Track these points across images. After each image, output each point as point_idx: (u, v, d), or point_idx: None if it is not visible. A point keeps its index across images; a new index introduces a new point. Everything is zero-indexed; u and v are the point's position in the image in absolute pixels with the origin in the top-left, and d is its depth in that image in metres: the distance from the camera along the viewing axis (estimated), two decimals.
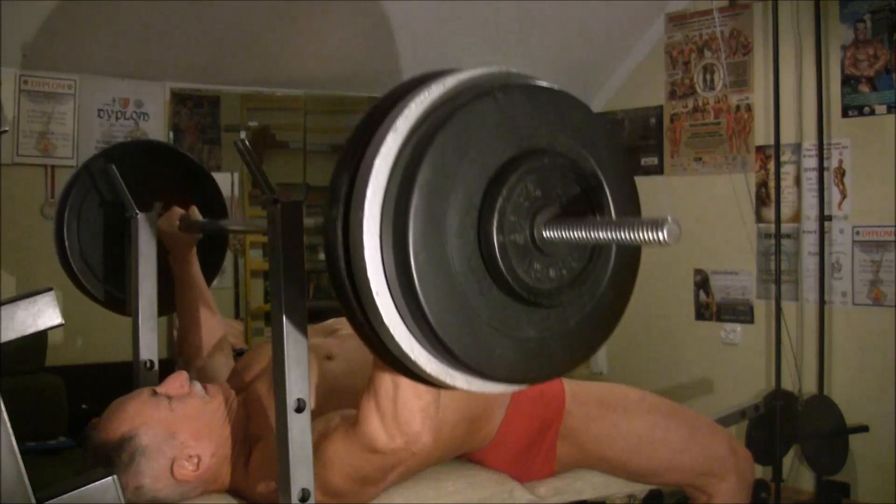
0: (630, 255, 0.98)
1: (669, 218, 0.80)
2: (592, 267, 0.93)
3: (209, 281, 1.99)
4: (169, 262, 1.88)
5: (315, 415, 1.42)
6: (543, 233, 0.88)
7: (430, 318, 0.84)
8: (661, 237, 0.81)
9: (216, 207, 1.99)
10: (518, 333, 0.90)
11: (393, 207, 0.85)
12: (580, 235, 0.86)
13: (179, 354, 1.92)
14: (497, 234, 0.86)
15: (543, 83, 0.94)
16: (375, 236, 0.86)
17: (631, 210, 0.98)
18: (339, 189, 0.90)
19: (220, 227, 1.87)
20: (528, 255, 0.88)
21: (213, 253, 2.02)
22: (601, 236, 0.85)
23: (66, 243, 1.91)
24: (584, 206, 0.92)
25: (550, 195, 0.90)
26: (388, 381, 1.15)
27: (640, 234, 0.82)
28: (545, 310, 0.92)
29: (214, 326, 1.92)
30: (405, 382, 1.14)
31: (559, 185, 0.91)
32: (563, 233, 0.88)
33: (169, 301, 1.90)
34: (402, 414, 1.16)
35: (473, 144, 0.85)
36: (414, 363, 0.90)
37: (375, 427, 1.19)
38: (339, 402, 1.47)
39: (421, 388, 1.13)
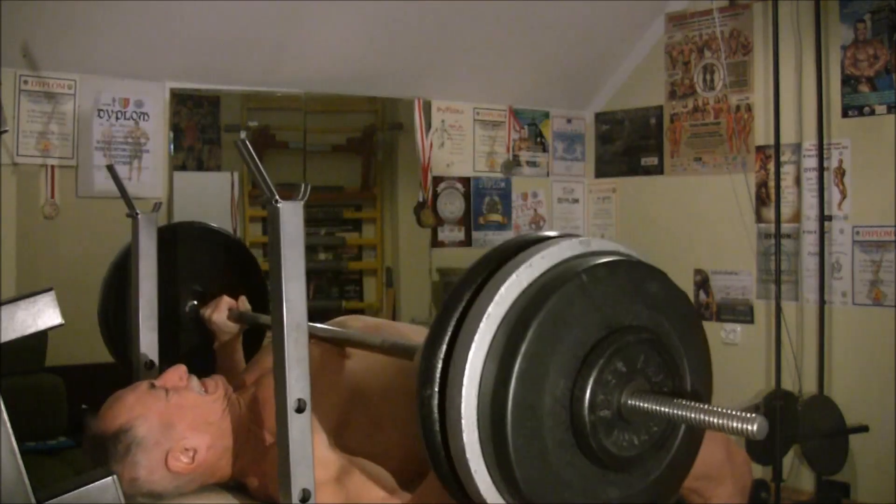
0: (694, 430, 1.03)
1: (760, 417, 0.85)
2: (671, 429, 0.99)
3: (249, 357, 2.00)
4: (214, 347, 1.89)
5: (340, 414, 1.43)
6: (631, 405, 0.93)
7: (526, 495, 0.90)
8: (751, 430, 0.85)
9: (261, 299, 1.98)
10: (604, 497, 0.95)
11: (490, 396, 0.90)
12: (667, 412, 0.92)
13: None
14: (589, 413, 0.91)
15: (622, 252, 1.01)
16: (473, 421, 0.91)
17: (704, 375, 1.05)
18: (434, 370, 0.95)
19: (266, 324, 1.86)
20: (613, 427, 0.94)
21: (252, 337, 2.02)
22: (689, 417, 0.90)
23: (111, 322, 1.90)
24: (665, 375, 0.98)
25: (635, 368, 0.95)
26: (437, 491, 1.14)
27: (731, 424, 0.87)
28: (625, 472, 0.97)
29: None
30: None
31: (642, 357, 0.96)
32: (650, 406, 0.93)
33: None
34: None
35: (563, 331, 0.91)
36: None
37: None
38: (361, 401, 1.47)
39: None
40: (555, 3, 3.75)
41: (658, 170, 4.29)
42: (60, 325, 0.97)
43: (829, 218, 3.63)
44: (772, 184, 3.77)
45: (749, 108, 3.93)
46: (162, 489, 1.42)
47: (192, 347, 1.94)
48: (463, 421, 0.91)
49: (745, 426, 0.86)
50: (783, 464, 3.39)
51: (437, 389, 0.94)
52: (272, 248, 1.16)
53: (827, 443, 3.39)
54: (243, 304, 1.86)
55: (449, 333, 0.95)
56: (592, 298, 0.93)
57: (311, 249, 4.38)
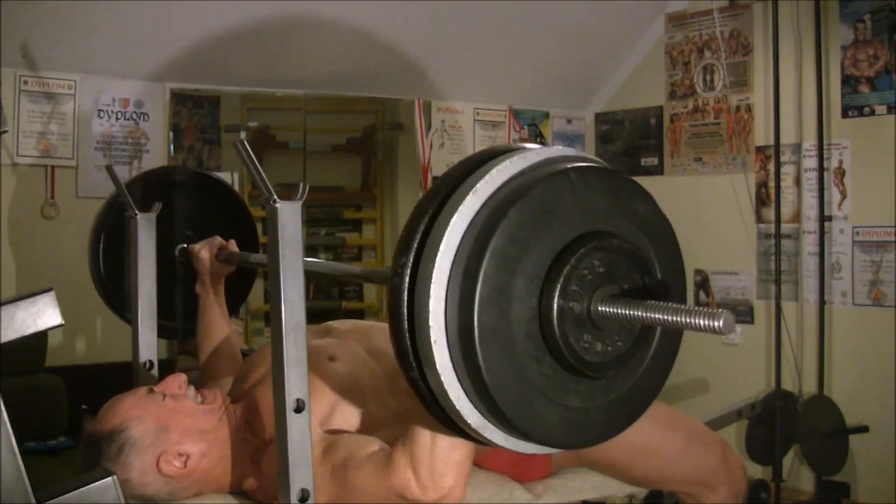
0: (671, 343, 1.04)
1: (726, 313, 0.86)
2: (636, 348, 0.99)
3: (234, 310, 2.00)
4: (196, 290, 1.89)
5: (324, 417, 1.43)
6: (600, 307, 0.94)
7: (484, 376, 0.89)
8: (717, 326, 0.86)
9: (250, 243, 1.99)
10: (564, 401, 0.96)
11: (463, 267, 0.90)
12: (637, 314, 0.92)
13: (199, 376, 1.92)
14: (558, 298, 0.91)
15: (614, 169, 1.02)
16: (442, 287, 0.91)
17: (679, 300, 1.04)
18: (413, 238, 0.95)
19: (256, 262, 1.87)
20: (581, 326, 0.94)
21: (241, 283, 2.02)
22: (658, 318, 0.91)
23: (102, 263, 1.90)
24: (641, 292, 0.98)
25: (612, 275, 0.96)
26: (425, 435, 1.16)
27: (697, 321, 0.88)
28: (590, 381, 0.97)
29: (233, 353, 1.93)
30: (442, 437, 1.15)
31: (622, 268, 0.96)
32: (621, 310, 0.93)
33: (191, 326, 1.91)
34: (437, 466, 1.17)
35: (546, 219, 0.91)
36: (457, 412, 0.94)
37: (408, 477, 1.19)
38: (343, 404, 1.47)
39: (458, 441, 1.14)
40: (555, 3, 3.75)
41: (658, 170, 4.29)
42: (60, 325, 0.97)
43: (829, 218, 3.63)
44: (772, 184, 3.77)
45: (749, 109, 3.93)
46: (154, 492, 1.42)
47: (179, 291, 1.94)
48: (433, 286, 0.90)
49: (710, 322, 0.86)
50: (783, 464, 3.39)
51: (412, 258, 0.94)
52: (271, 248, 1.16)
53: (827, 443, 3.39)
54: (232, 247, 1.85)
55: (436, 207, 0.95)
56: (579, 197, 0.93)
57: (311, 249, 4.38)
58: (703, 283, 4.12)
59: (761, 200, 3.89)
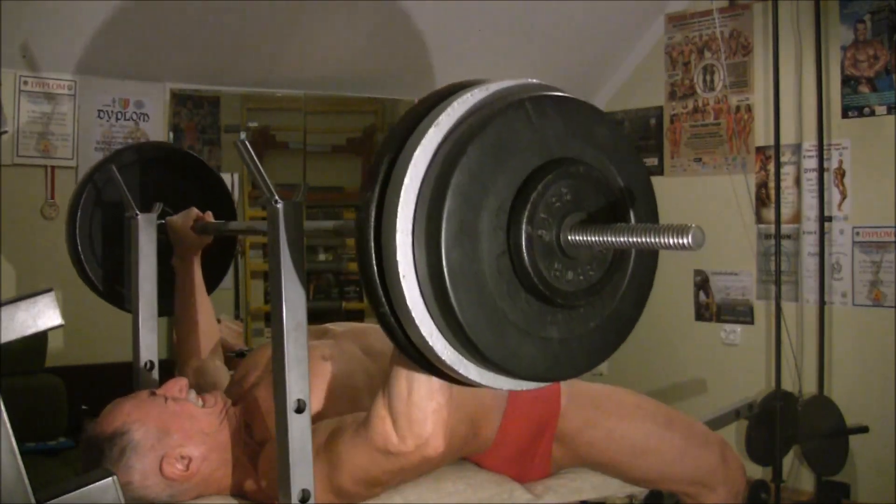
0: (646, 267, 1.04)
1: (693, 224, 0.85)
2: (610, 277, 0.98)
3: (215, 285, 2.00)
4: (172, 263, 1.88)
5: (313, 416, 1.42)
6: (569, 236, 0.92)
7: (458, 315, 0.88)
8: (685, 242, 0.85)
9: (228, 216, 1.99)
10: (541, 333, 0.94)
11: (426, 207, 0.89)
12: (606, 239, 0.91)
13: (178, 355, 1.92)
14: (526, 225, 0.90)
15: (571, 96, 0.99)
16: (409, 221, 0.90)
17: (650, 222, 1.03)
18: (378, 172, 0.93)
19: (233, 229, 1.86)
20: (551, 255, 0.92)
21: (221, 258, 2.02)
22: (626, 240, 0.90)
23: (79, 243, 1.90)
24: (610, 218, 0.97)
25: (581, 203, 0.94)
26: (402, 382, 1.15)
27: (665, 239, 0.86)
28: (566, 312, 0.96)
29: (212, 330, 1.92)
30: (419, 384, 1.14)
31: (590, 195, 0.95)
32: (590, 237, 0.92)
33: (169, 302, 1.90)
34: (415, 415, 1.16)
35: (505, 152, 0.90)
36: (430, 349, 0.92)
37: (387, 428, 1.19)
38: (337, 402, 1.47)
39: (435, 389, 1.15)
40: (555, 3, 3.75)
41: (658, 170, 4.29)
42: (60, 326, 0.97)
43: (829, 218, 3.63)
44: (772, 184, 3.77)
45: (749, 109, 3.93)
46: (155, 495, 1.41)
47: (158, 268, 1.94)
48: (399, 219, 0.89)
49: (679, 239, 0.86)
50: (783, 464, 3.39)
51: (378, 192, 0.92)
52: (272, 249, 1.16)
53: (827, 443, 3.39)
54: (209, 218, 1.84)
55: (401, 140, 0.94)
56: (537, 128, 0.92)
57: (311, 250, 4.38)
58: (703, 284, 4.12)
59: (761, 201, 3.89)
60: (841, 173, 3.62)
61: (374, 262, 0.92)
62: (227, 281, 4.17)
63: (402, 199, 0.89)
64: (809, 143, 3.69)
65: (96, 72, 3.47)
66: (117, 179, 1.78)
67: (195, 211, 1.83)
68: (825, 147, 3.60)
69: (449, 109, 0.92)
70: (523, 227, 0.89)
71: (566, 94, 0.97)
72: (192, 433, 1.44)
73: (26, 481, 0.95)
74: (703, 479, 1.78)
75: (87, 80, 3.47)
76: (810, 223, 3.71)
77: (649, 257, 1.03)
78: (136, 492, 1.40)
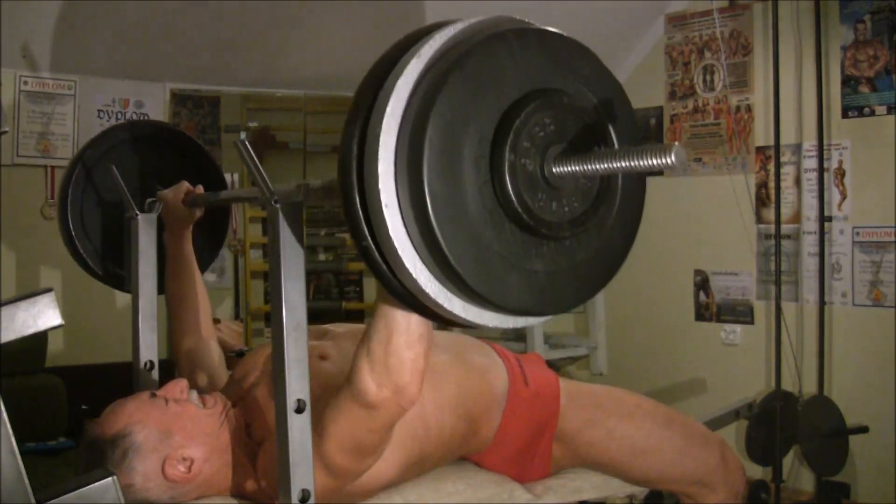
0: (633, 201, 1.02)
1: (676, 146, 0.84)
2: (595, 209, 0.97)
3: (208, 262, 1.98)
4: (164, 239, 1.85)
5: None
6: (553, 166, 0.92)
7: (440, 241, 0.87)
8: (668, 161, 0.84)
9: (218, 188, 1.98)
10: (527, 265, 0.93)
11: (408, 135, 0.88)
12: (589, 167, 0.90)
13: (171, 333, 1.89)
14: (509, 153, 0.89)
15: (555, 31, 0.99)
16: (391, 152, 0.89)
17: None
18: (361, 104, 0.93)
19: (226, 198, 1.85)
20: (535, 185, 0.91)
21: (213, 236, 1.99)
22: (610, 166, 0.89)
23: (71, 223, 1.89)
24: (591, 143, 0.96)
25: (564, 134, 0.93)
26: (381, 330, 1.17)
27: (649, 161, 0.85)
28: (552, 244, 0.95)
29: (204, 308, 1.89)
30: (399, 333, 1.16)
31: (573, 127, 0.94)
32: (574, 166, 0.91)
33: (159, 280, 1.90)
34: (392, 362, 1.18)
35: (487, 82, 0.89)
36: (414, 281, 0.91)
37: (365, 375, 1.20)
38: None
39: (414, 339, 1.17)
40: (555, 3, 3.75)
41: (658, 170, 4.28)
42: (60, 326, 0.97)
43: (829, 219, 3.63)
44: (772, 184, 3.77)
45: (749, 109, 3.93)
46: (156, 497, 1.41)
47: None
48: (381, 149, 0.88)
49: (662, 159, 0.85)
50: (783, 464, 3.38)
51: (361, 124, 0.92)
52: (272, 249, 1.16)
53: (827, 443, 3.39)
54: (199, 190, 1.81)
55: (384, 73, 0.94)
56: (519, 59, 0.92)
57: (311, 250, 4.38)
58: (703, 284, 4.12)
59: (761, 201, 3.89)
60: (841, 173, 3.62)
61: (356, 193, 0.92)
62: (228, 281, 4.17)
63: (384, 128, 0.88)
64: (809, 143, 3.69)
65: (96, 72, 3.47)
66: (117, 178, 1.78)
67: (186, 185, 1.80)
68: (825, 147, 3.60)
69: (430, 41, 0.92)
70: (506, 155, 0.89)
71: (550, 29, 0.98)
72: (194, 435, 1.44)
73: (26, 481, 0.95)
74: (702, 479, 1.79)
75: (87, 79, 3.47)
76: (810, 223, 3.71)
77: (635, 191, 1.02)
78: (138, 494, 1.40)
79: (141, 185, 1.89)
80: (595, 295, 1.02)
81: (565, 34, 0.98)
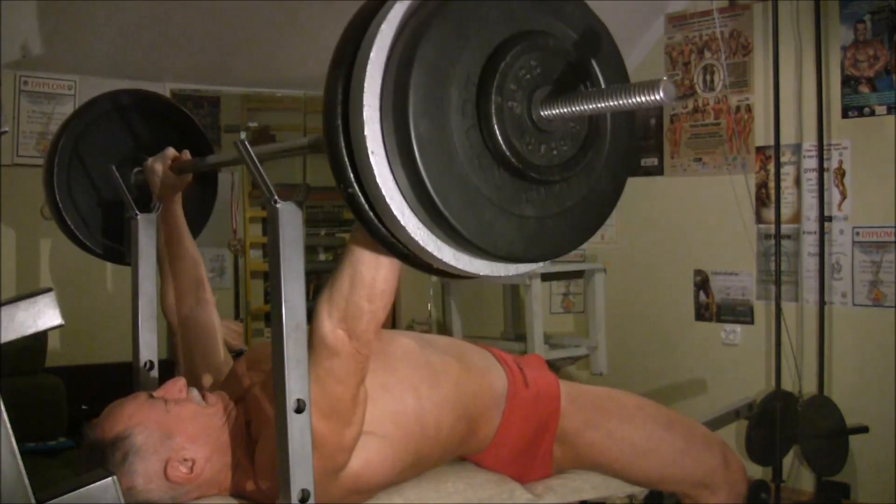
0: (623, 146, 1.01)
1: (664, 77, 0.83)
2: (584, 153, 0.96)
3: (200, 228, 1.96)
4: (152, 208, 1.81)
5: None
6: (541, 111, 0.90)
7: (428, 186, 0.85)
8: (657, 97, 0.82)
9: (205, 152, 1.95)
10: (517, 211, 0.92)
11: (393, 80, 0.86)
12: (577, 108, 0.88)
13: (162, 302, 1.86)
14: (496, 95, 0.87)
15: None
16: (376, 97, 0.88)
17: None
18: (346, 49, 0.92)
19: (212, 164, 1.82)
20: (522, 128, 0.90)
21: (204, 198, 1.97)
22: (598, 105, 0.87)
23: (57, 189, 1.87)
24: (579, 85, 0.95)
25: (550, 76, 0.92)
26: (345, 280, 1.18)
27: (637, 98, 0.83)
28: (541, 189, 0.93)
29: (200, 275, 1.87)
30: (361, 286, 1.18)
31: (559, 69, 0.93)
32: (561, 108, 0.89)
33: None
34: (351, 310, 1.20)
35: (471, 24, 0.87)
36: (402, 228, 0.90)
37: (323, 318, 1.21)
38: None
39: (375, 294, 1.18)
40: None
41: (658, 170, 4.29)
42: (60, 326, 0.97)
43: (829, 218, 3.63)
44: (772, 184, 3.77)
45: (749, 109, 3.93)
46: (157, 498, 1.41)
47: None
48: (365, 95, 0.87)
49: (650, 96, 0.83)
50: (783, 464, 3.39)
51: (345, 70, 0.90)
52: (272, 249, 1.16)
53: (827, 443, 3.39)
54: (186, 156, 1.78)
55: (368, 17, 0.93)
56: (502, 1, 0.90)
57: (311, 250, 4.38)
58: (703, 284, 4.12)
59: (761, 201, 3.89)
60: (841, 173, 3.62)
61: (341, 140, 0.90)
62: (228, 280, 4.17)
63: (368, 74, 0.87)
64: (809, 143, 3.69)
65: (96, 72, 3.47)
66: (117, 178, 1.78)
67: (171, 151, 1.76)
68: (825, 147, 3.60)
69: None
70: (492, 98, 0.87)
71: None
72: (195, 435, 1.44)
73: (26, 481, 0.95)
74: (703, 481, 1.79)
75: (87, 79, 3.47)
76: (810, 223, 3.71)
77: (624, 136, 1.01)
78: (140, 496, 1.40)
79: (128, 155, 1.88)
80: (585, 241, 1.01)
81: None
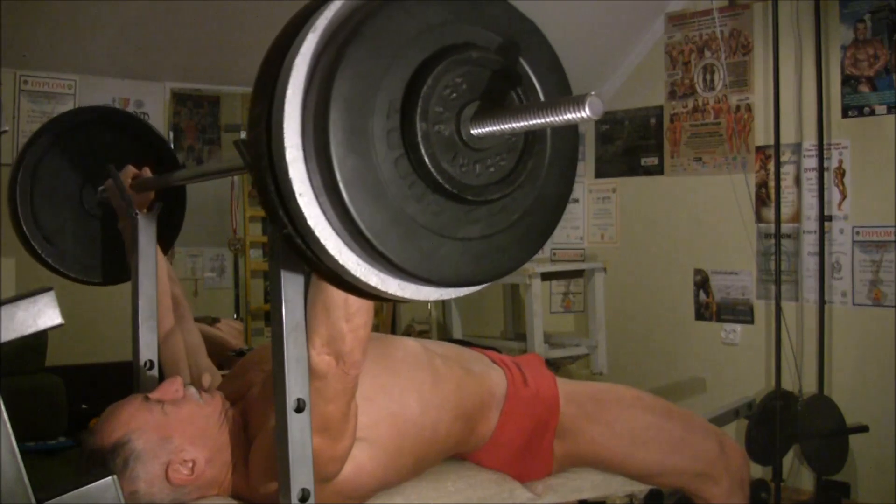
0: (567, 141, 0.96)
1: (593, 93, 0.78)
2: (525, 161, 0.91)
3: (169, 244, 1.95)
4: (119, 228, 1.83)
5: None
6: (471, 129, 0.87)
7: (360, 225, 0.83)
8: (583, 114, 0.78)
9: (171, 166, 1.94)
10: (459, 234, 0.89)
11: (312, 117, 0.83)
12: (506, 126, 0.85)
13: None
14: (420, 122, 0.84)
15: None
16: (297, 135, 0.85)
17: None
18: (264, 86, 0.88)
19: (174, 179, 1.78)
20: (454, 150, 0.87)
21: (171, 216, 1.95)
22: (525, 123, 0.83)
23: (20, 209, 1.87)
24: (513, 101, 0.90)
25: (477, 90, 0.88)
26: (318, 305, 1.17)
27: (563, 115, 0.80)
28: (484, 207, 0.90)
29: (175, 293, 1.88)
30: (335, 308, 1.17)
31: (488, 81, 0.89)
32: (490, 126, 0.86)
33: (116, 267, 1.89)
34: (332, 334, 1.19)
35: (387, 49, 0.84)
36: (342, 267, 0.88)
37: (308, 349, 1.20)
38: None
39: (352, 312, 1.18)
40: (555, 3, 3.75)
41: (658, 170, 4.29)
42: (60, 325, 0.97)
43: (829, 218, 3.63)
44: (772, 184, 3.77)
45: (749, 108, 3.93)
46: (160, 501, 1.42)
47: (103, 234, 1.91)
48: (286, 135, 0.84)
49: (577, 113, 0.79)
50: (783, 464, 3.39)
51: (266, 108, 0.87)
52: (272, 249, 1.16)
53: (827, 443, 3.39)
54: (147, 173, 1.79)
55: (284, 50, 0.89)
56: (417, 16, 0.85)
57: None
58: (703, 283, 4.12)
59: (761, 200, 3.89)
60: (841, 173, 3.62)
61: (270, 181, 0.87)
62: (228, 280, 4.17)
63: (286, 114, 0.84)
64: (809, 143, 3.69)
65: (96, 71, 3.47)
66: (116, 177, 1.77)
67: (131, 169, 1.77)
68: (825, 146, 3.60)
69: (325, 12, 0.87)
70: (417, 125, 0.84)
71: None
72: (194, 436, 1.44)
73: (26, 481, 0.95)
74: (704, 471, 1.78)
75: (87, 79, 3.47)
76: (810, 222, 3.71)
77: (567, 133, 0.96)
78: (143, 500, 1.40)
79: (94, 172, 1.87)
80: (539, 248, 0.97)
81: None
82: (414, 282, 0.91)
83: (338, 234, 0.87)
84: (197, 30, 3.40)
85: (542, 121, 0.82)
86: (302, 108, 0.85)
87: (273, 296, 1.16)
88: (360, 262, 0.89)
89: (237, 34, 3.48)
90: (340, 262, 0.88)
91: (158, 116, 3.65)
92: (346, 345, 1.20)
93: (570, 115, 0.79)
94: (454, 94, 0.87)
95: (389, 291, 0.91)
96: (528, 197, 0.93)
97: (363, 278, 0.89)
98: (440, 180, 0.85)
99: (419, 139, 0.84)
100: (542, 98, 0.92)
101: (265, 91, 0.88)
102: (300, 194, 0.85)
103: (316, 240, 0.86)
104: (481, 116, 0.87)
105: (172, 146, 3.68)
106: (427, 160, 0.84)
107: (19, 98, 3.34)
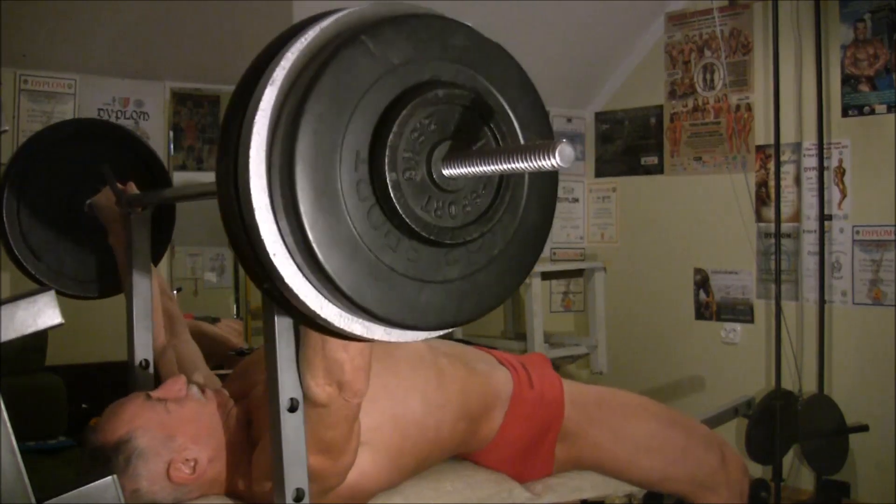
0: (545, 173, 0.92)
1: (563, 140, 0.75)
2: (503, 197, 0.89)
3: (159, 257, 1.94)
4: (110, 242, 1.83)
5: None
6: (443, 170, 0.84)
7: (337, 282, 0.81)
8: (554, 163, 0.76)
9: (160, 180, 1.94)
10: (439, 277, 0.87)
11: (278, 177, 0.81)
12: (477, 169, 0.82)
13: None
14: (389, 172, 0.81)
15: (416, 11, 0.88)
16: (265, 193, 0.83)
17: (538, 127, 0.91)
18: (228, 143, 0.86)
19: (158, 197, 1.79)
20: (427, 194, 0.84)
21: (159, 229, 1.94)
22: (496, 167, 0.81)
23: (8, 229, 1.85)
24: (487, 136, 0.88)
25: (447, 129, 0.85)
26: (314, 337, 1.16)
27: (533, 163, 0.77)
28: (462, 247, 0.88)
29: (168, 307, 1.88)
30: (331, 340, 1.15)
31: (458, 118, 0.86)
32: (461, 168, 0.83)
33: (108, 280, 1.89)
34: (329, 365, 1.17)
35: (349, 97, 0.81)
36: (325, 320, 0.87)
37: (306, 379, 1.19)
38: None
39: (349, 343, 1.15)
40: (555, 2, 3.75)
41: (658, 169, 4.29)
42: (60, 325, 0.97)
43: (829, 217, 3.63)
44: (772, 183, 3.77)
45: (749, 108, 3.93)
46: (162, 499, 1.42)
47: (92, 248, 1.91)
48: (254, 196, 0.82)
49: (546, 161, 0.76)
50: (783, 463, 3.39)
51: (233, 162, 0.84)
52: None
53: (827, 442, 3.39)
54: (131, 188, 1.78)
55: (244, 102, 0.87)
56: (381, 59, 0.82)
57: None
58: (703, 283, 4.12)
59: (761, 200, 3.89)
60: (841, 172, 3.62)
61: (244, 240, 0.86)
62: (228, 280, 4.17)
63: (252, 172, 0.82)
64: (809, 142, 3.69)
65: (96, 71, 3.47)
66: (112, 178, 1.77)
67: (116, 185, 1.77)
68: (825, 146, 3.60)
69: (283, 62, 0.84)
70: (387, 175, 0.81)
71: (410, 12, 0.87)
72: (197, 435, 1.44)
73: (26, 481, 0.95)
74: (704, 481, 1.79)
75: (88, 78, 3.47)
76: (810, 222, 3.71)
77: None
78: (144, 498, 1.40)
79: (80, 186, 1.87)
80: (524, 279, 0.95)
81: (429, 12, 0.88)
82: (398, 328, 0.89)
83: (317, 289, 0.85)
84: (197, 29, 3.40)
85: (513, 166, 0.79)
86: (267, 166, 0.83)
87: (264, 298, 1.16)
88: (343, 313, 0.88)
89: (237, 34, 3.48)
90: (323, 315, 0.87)
91: (158, 116, 3.65)
92: (347, 374, 1.19)
93: (538, 163, 0.77)
94: (422, 138, 0.84)
95: (376, 337, 0.90)
96: (507, 230, 0.91)
97: (347, 329, 0.88)
98: (415, 228, 0.83)
99: (389, 189, 0.81)
100: (517, 128, 0.90)
101: (228, 148, 0.86)
102: (273, 254, 0.83)
103: (295, 296, 0.85)
104: (453, 158, 0.84)
105: (172, 146, 3.68)
106: (399, 209, 0.82)
107: (19, 97, 3.34)
